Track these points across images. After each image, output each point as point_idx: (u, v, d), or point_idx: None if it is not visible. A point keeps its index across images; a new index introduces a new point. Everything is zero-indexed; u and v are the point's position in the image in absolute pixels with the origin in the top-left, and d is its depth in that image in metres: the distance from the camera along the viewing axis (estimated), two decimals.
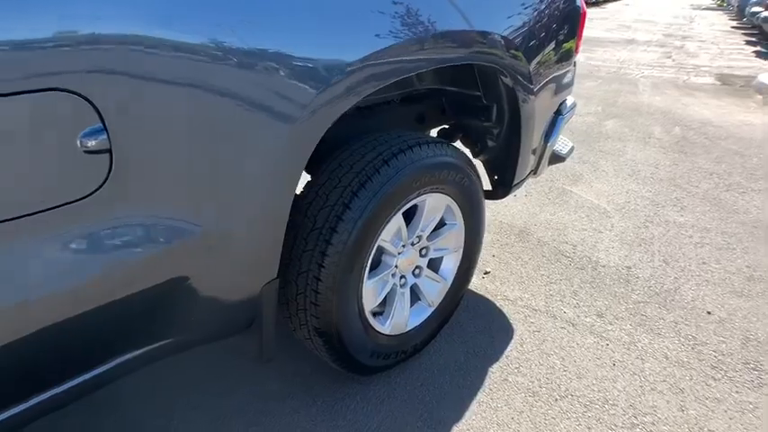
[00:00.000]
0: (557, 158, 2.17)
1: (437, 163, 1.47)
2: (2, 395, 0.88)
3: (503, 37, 1.50)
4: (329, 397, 1.60)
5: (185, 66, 0.89)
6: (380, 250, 1.49)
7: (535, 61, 1.66)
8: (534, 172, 2.01)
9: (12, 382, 0.89)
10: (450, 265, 1.79)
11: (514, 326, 1.94)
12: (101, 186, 0.88)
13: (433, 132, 2.12)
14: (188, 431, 1.47)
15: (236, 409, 1.55)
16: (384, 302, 1.60)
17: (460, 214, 1.69)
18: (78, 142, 0.83)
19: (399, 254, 1.56)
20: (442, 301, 1.79)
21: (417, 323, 1.72)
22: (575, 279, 2.23)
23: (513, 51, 1.55)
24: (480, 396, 1.63)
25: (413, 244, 1.61)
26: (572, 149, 2.31)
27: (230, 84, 0.95)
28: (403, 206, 1.45)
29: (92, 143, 0.84)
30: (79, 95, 0.80)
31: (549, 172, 3.29)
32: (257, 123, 1.01)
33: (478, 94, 1.74)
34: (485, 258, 2.37)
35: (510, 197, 2.11)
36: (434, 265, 1.77)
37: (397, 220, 1.47)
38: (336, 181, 1.33)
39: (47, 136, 0.80)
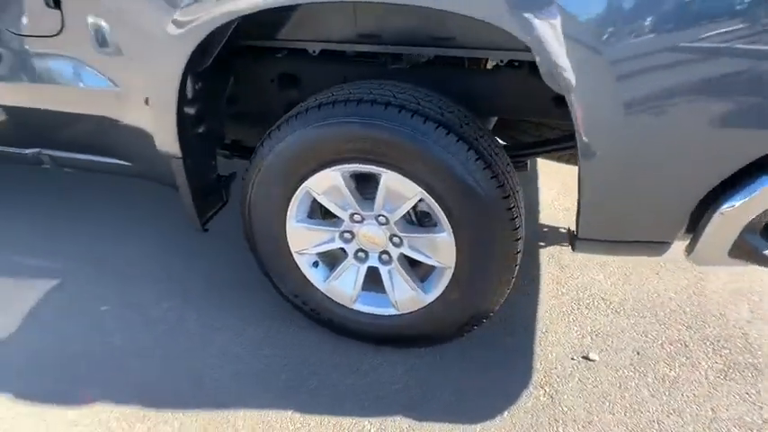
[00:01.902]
0: None
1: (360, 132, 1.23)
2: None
3: None
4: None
5: None
6: (321, 205, 1.40)
7: None
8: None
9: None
10: (436, 281, 1.41)
11: None
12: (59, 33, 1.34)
13: None
14: None
15: None
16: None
17: (446, 221, 1.29)
18: None
19: (356, 221, 1.39)
20: (411, 314, 1.46)
21: (366, 309, 1.50)
22: None
23: None
24: None
25: (379, 222, 1.38)
26: None
27: None
28: (331, 164, 1.29)
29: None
30: None
31: None
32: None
33: None
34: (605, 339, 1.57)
35: None
36: (422, 270, 1.44)
37: (332, 177, 1.32)
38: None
39: None
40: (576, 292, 1.74)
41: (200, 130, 1.52)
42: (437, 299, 1.42)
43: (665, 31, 0.97)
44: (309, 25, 1.45)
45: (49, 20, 1.36)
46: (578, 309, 1.68)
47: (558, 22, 0.99)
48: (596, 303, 1.69)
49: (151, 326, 1.67)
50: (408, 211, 1.36)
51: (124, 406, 1.42)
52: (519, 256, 1.33)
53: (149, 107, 1.37)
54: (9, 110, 1.58)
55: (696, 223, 1.16)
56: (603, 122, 1.07)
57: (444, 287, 1.40)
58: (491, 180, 1.22)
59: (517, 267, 1.35)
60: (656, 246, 1.21)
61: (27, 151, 1.69)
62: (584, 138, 1.08)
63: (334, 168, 1.31)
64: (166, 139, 1.41)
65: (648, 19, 0.97)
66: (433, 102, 1.25)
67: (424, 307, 1.45)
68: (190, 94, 1.42)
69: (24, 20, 1.41)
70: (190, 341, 1.62)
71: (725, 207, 1.09)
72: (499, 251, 1.30)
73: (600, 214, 1.20)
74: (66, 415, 1.40)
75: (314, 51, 1.52)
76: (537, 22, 1.00)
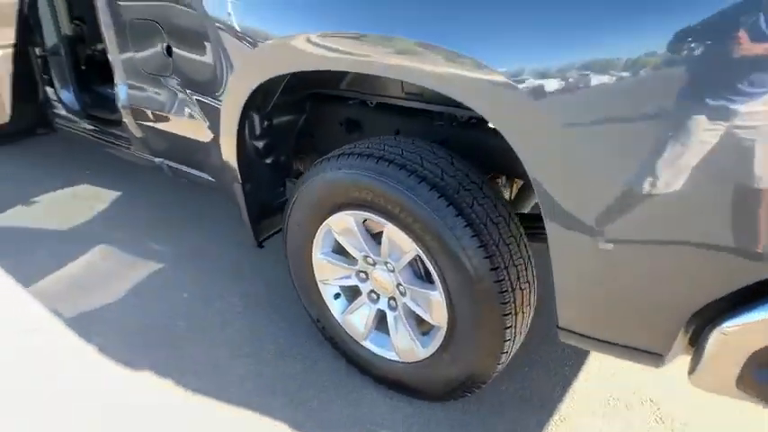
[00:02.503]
0: None
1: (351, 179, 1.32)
2: None
3: None
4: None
5: None
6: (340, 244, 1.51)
7: None
8: None
9: None
10: (432, 338, 1.42)
11: None
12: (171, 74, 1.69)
13: None
14: None
15: None
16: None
17: (439, 281, 1.30)
18: None
19: (369, 263, 1.49)
20: (409, 363, 1.49)
21: (373, 348, 1.56)
22: None
23: None
24: None
25: (388, 268, 1.45)
26: None
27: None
28: (346, 208, 1.40)
29: None
30: None
31: None
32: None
33: None
34: None
35: None
36: (427, 324, 1.46)
37: (347, 220, 1.43)
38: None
39: None
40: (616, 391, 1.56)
41: (267, 161, 1.75)
42: (431, 356, 1.43)
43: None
44: (365, 81, 1.58)
45: (165, 64, 1.71)
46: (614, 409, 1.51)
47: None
48: (641, 407, 1.50)
49: (210, 316, 1.95)
50: (417, 264, 1.40)
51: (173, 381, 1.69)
52: (509, 331, 1.27)
53: (220, 138, 1.64)
54: (144, 127, 2.00)
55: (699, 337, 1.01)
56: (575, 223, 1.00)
57: (437, 346, 1.40)
58: (479, 249, 1.20)
59: (509, 342, 1.29)
60: (649, 356, 1.07)
61: (156, 160, 2.10)
62: (549, 222, 1.03)
63: (347, 212, 1.41)
64: (230, 166, 1.66)
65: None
66: (440, 163, 1.28)
67: (420, 360, 1.46)
68: (257, 130, 1.66)
69: (153, 62, 1.78)
70: (234, 335, 1.85)
71: (727, 325, 0.94)
72: (486, 323, 1.27)
73: (578, 305, 1.11)
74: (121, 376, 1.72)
75: (371, 103, 1.65)
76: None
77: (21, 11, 2.07)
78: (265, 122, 1.66)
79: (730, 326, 0.93)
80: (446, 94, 1.10)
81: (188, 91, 1.69)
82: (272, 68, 1.38)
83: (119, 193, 2.90)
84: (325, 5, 1.24)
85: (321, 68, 1.30)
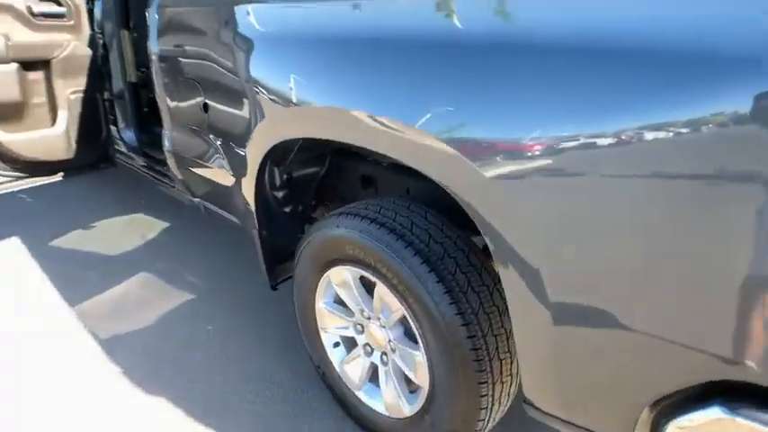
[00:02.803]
0: None
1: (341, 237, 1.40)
2: None
3: None
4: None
5: None
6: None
7: None
8: None
9: None
10: (417, 397, 1.44)
11: None
12: (206, 126, 1.86)
13: None
14: None
15: None
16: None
17: (422, 342, 1.34)
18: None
19: (365, 317, 1.55)
20: (397, 419, 1.52)
21: (366, 400, 1.61)
22: None
23: None
24: None
25: (381, 324, 1.51)
26: None
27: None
28: (343, 263, 1.48)
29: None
30: None
31: None
32: None
33: None
34: None
35: None
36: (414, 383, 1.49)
37: (344, 274, 1.51)
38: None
39: None
40: None
41: (286, 210, 1.87)
42: (414, 415, 1.45)
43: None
44: None
45: (202, 118, 1.89)
46: None
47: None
48: None
49: (226, 352, 2.06)
50: (406, 323, 1.45)
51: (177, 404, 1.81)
52: (486, 399, 1.28)
53: (241, 187, 1.77)
54: (183, 170, 2.18)
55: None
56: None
57: (419, 407, 1.42)
58: (456, 317, 1.24)
59: (485, 410, 1.30)
60: None
61: (194, 200, 2.28)
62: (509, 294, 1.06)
63: (345, 267, 1.49)
64: (249, 212, 1.78)
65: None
66: (430, 229, 1.34)
67: (404, 418, 1.49)
68: (276, 181, 1.78)
69: (192, 116, 1.96)
70: (245, 372, 1.94)
71: (680, 420, 0.93)
72: (462, 389, 1.29)
73: (538, 380, 1.11)
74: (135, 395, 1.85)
75: (384, 163, 1.74)
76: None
77: (94, 63, 2.34)
78: (285, 175, 1.79)
79: (684, 421, 0.92)
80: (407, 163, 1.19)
81: (218, 142, 1.85)
82: (280, 133, 1.51)
83: (167, 225, 3.13)
84: (317, 82, 1.35)
85: (317, 137, 1.42)
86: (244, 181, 1.74)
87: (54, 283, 2.52)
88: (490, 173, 0.99)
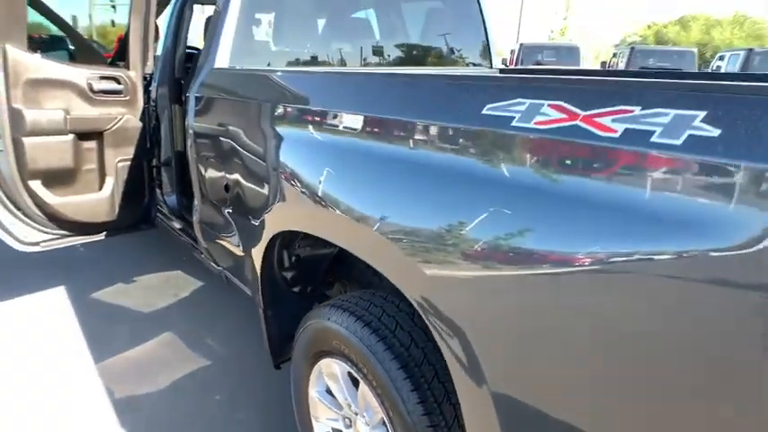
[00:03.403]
0: None
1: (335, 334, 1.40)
2: None
3: None
4: None
5: None
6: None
7: None
8: None
9: None
10: None
11: None
12: (229, 204, 1.96)
13: None
14: None
15: None
16: None
17: None
18: None
19: (354, 413, 1.52)
20: None
21: None
22: None
23: None
24: None
25: (366, 422, 1.47)
26: None
27: None
28: (331, 355, 1.47)
29: None
30: None
31: None
32: None
33: None
34: None
35: None
36: None
37: (333, 366, 1.50)
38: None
39: None
40: None
41: (295, 290, 1.90)
42: None
43: None
44: None
45: (224, 196, 1.99)
46: None
47: None
48: None
49: (228, 426, 2.06)
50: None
51: None
52: None
53: (250, 266, 1.83)
54: (208, 240, 2.28)
55: None
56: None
57: None
58: (428, 428, 1.19)
59: None
60: None
61: (218, 268, 2.37)
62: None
63: (334, 360, 1.48)
64: (255, 291, 1.83)
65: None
66: (414, 332, 1.31)
67: None
68: (285, 262, 1.82)
69: (217, 193, 2.07)
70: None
71: None
72: None
73: None
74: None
75: None
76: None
77: (143, 134, 2.54)
78: (293, 257, 1.83)
79: None
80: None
81: (234, 220, 1.93)
82: (283, 224, 1.57)
83: (200, 285, 3.25)
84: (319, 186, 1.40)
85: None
86: (252, 260, 1.80)
87: (85, 334, 2.64)
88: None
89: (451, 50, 3.11)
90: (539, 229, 0.84)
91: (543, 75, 2.50)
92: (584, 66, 14.32)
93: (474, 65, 3.15)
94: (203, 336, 2.70)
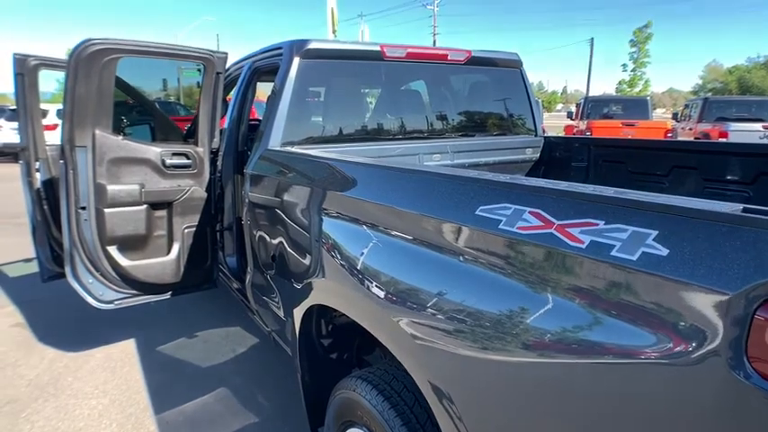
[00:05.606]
0: None
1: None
2: None
3: None
4: None
5: None
6: None
7: None
8: None
9: None
10: None
11: None
12: (273, 263, 2.12)
13: None
14: None
15: None
16: None
17: None
18: None
19: None
20: None
21: None
22: None
23: None
24: None
25: None
26: None
27: None
28: (358, 426, 1.55)
29: None
30: None
31: None
32: None
33: None
34: None
35: None
36: None
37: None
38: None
39: None
40: None
41: (332, 356, 1.99)
42: None
43: None
44: None
45: (270, 264, 2.15)
46: None
47: None
48: None
49: None
50: None
51: None
52: None
53: (290, 333, 1.96)
54: (257, 302, 2.45)
55: None
56: None
57: None
58: None
59: None
60: None
61: (267, 329, 2.52)
62: None
63: (359, 430, 1.55)
64: (294, 355, 1.94)
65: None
66: (423, 401, 1.37)
67: None
68: (322, 330, 1.94)
69: (265, 261, 2.24)
70: None
71: None
72: None
73: None
74: None
75: None
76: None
77: (207, 202, 2.81)
78: (330, 326, 1.94)
79: None
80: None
81: (278, 289, 2.09)
82: (314, 298, 1.70)
83: (256, 341, 3.42)
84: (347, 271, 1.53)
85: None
86: (292, 328, 1.92)
87: (148, 386, 2.86)
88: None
89: (501, 119, 3.22)
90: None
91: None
92: (654, 118, 13.90)
93: (521, 133, 3.23)
94: (254, 392, 2.83)
